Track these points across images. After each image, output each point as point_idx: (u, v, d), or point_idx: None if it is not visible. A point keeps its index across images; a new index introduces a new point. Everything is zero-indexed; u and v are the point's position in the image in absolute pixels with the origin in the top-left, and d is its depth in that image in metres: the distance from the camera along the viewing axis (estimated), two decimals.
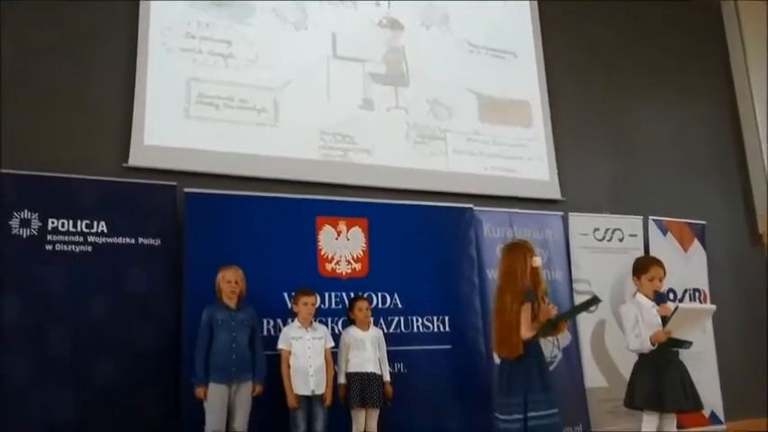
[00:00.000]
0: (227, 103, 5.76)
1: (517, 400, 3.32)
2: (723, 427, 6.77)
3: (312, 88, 6.14)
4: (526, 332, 3.41)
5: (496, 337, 3.49)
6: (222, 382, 4.42)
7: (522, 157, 6.95)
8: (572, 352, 6.27)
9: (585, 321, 6.39)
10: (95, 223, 4.86)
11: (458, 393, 5.64)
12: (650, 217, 6.97)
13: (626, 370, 4.34)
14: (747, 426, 6.87)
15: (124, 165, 5.26)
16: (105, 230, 4.88)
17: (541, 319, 3.41)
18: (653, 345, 3.67)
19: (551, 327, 3.48)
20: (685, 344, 3.69)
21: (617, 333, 6.24)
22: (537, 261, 3.53)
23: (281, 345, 4.78)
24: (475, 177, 6.63)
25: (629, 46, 7.92)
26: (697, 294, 6.89)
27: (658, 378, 3.68)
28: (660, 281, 3.94)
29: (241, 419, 4.47)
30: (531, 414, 3.28)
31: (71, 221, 4.80)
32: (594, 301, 3.77)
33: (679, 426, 3.91)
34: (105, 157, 5.25)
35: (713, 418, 6.76)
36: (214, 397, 4.39)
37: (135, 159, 5.30)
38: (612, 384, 6.18)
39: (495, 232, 6.28)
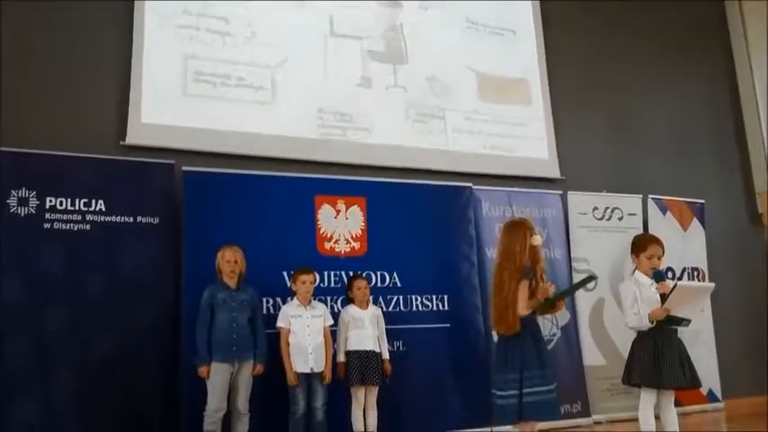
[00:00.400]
0: (225, 81, 5.72)
1: (513, 376, 3.34)
2: (720, 405, 6.81)
3: (310, 66, 6.09)
4: (523, 309, 3.42)
5: (494, 314, 3.50)
6: (224, 362, 4.44)
7: (522, 135, 6.93)
8: (570, 330, 6.30)
9: (584, 300, 6.41)
10: (93, 202, 4.85)
11: (456, 371, 5.67)
12: (650, 196, 6.97)
13: (624, 348, 4.35)
14: (745, 405, 6.90)
15: (122, 143, 5.24)
16: (103, 209, 4.87)
17: (539, 297, 3.42)
18: (651, 322, 3.68)
19: (549, 305, 3.49)
20: (684, 321, 3.69)
21: (615, 311, 6.26)
22: (536, 240, 3.53)
23: (280, 323, 4.80)
24: (474, 156, 6.61)
25: (629, 24, 7.85)
26: (696, 273, 6.91)
27: (656, 355, 3.68)
28: (659, 259, 3.92)
29: (243, 398, 4.51)
30: (526, 390, 3.30)
31: (69, 200, 4.78)
32: (591, 279, 3.76)
33: (676, 404, 3.91)
34: (103, 136, 5.23)
35: (711, 397, 6.81)
36: (216, 376, 4.41)
37: (132, 137, 5.28)
38: (610, 362, 6.22)
39: (494, 211, 6.27)
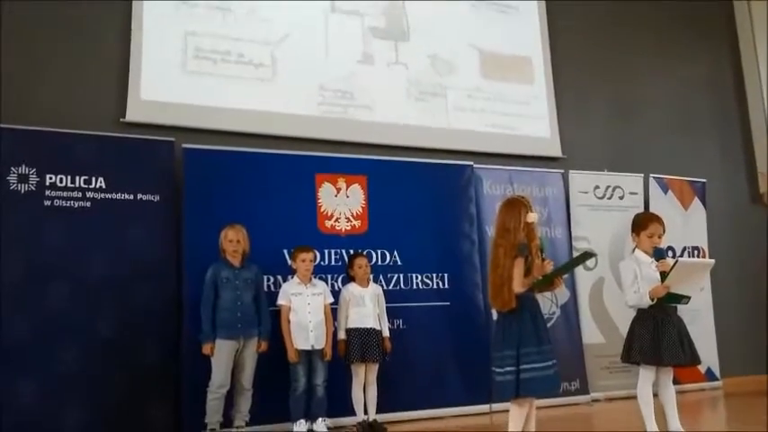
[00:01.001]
0: (225, 57, 5.69)
1: (510, 353, 3.35)
2: (719, 383, 6.86)
3: (311, 43, 6.05)
4: (517, 286, 3.43)
5: (490, 291, 3.51)
6: (229, 339, 4.48)
7: (524, 114, 6.89)
8: (570, 309, 6.31)
9: (584, 279, 6.42)
10: (93, 179, 4.84)
11: (456, 349, 5.70)
12: (651, 175, 6.95)
13: (623, 326, 4.36)
14: (743, 383, 6.95)
15: (122, 120, 5.22)
16: (104, 186, 4.86)
17: (536, 274, 3.40)
18: (651, 300, 3.68)
19: (547, 282, 3.47)
20: (683, 299, 3.70)
21: (615, 290, 6.28)
22: (531, 217, 3.51)
23: (280, 301, 4.81)
24: (475, 134, 6.58)
25: (633, 4, 7.77)
26: (696, 252, 6.91)
27: (656, 333, 3.69)
28: (659, 238, 3.92)
29: (248, 375, 4.56)
30: (523, 366, 3.31)
31: (69, 177, 4.78)
32: (589, 255, 3.72)
33: (675, 382, 3.93)
34: (102, 113, 5.21)
35: (709, 375, 6.85)
36: (221, 353, 4.45)
37: (132, 115, 5.25)
38: (609, 341, 6.25)
39: (495, 189, 6.26)
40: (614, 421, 5.14)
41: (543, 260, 3.43)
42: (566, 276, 5.41)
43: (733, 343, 7.14)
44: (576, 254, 6.29)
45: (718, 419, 5.12)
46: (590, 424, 5.13)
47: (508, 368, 3.38)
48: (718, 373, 6.90)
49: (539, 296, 3.61)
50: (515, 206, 3.57)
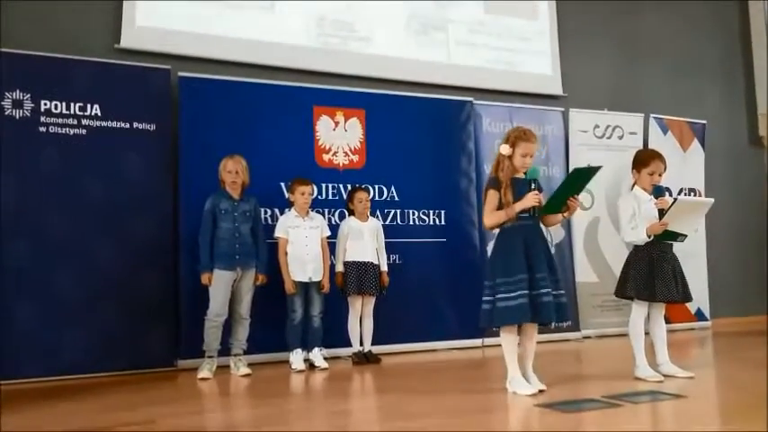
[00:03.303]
0: None
1: (488, 283, 3.40)
2: (708, 323, 6.98)
3: None
4: (486, 220, 3.45)
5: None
6: (226, 269, 4.50)
7: (526, 50, 6.78)
8: (565, 247, 6.36)
9: (579, 218, 6.44)
10: (89, 106, 4.77)
11: (451, 284, 5.76)
12: (651, 115, 6.90)
13: (617, 266, 4.39)
14: (731, 324, 7.08)
15: (116, 46, 5.10)
16: (99, 113, 4.79)
17: (528, 204, 3.36)
18: (649, 236, 3.70)
19: (551, 211, 3.43)
20: (680, 237, 3.71)
21: (610, 230, 6.33)
22: (502, 148, 3.48)
23: (278, 233, 4.83)
24: (476, 70, 6.49)
25: None
26: (692, 194, 6.92)
27: (651, 269, 3.72)
28: (660, 176, 3.90)
29: (245, 305, 4.61)
30: (497, 296, 3.34)
31: (64, 103, 4.70)
32: (593, 170, 3.45)
33: (666, 321, 3.98)
34: (96, 38, 5.09)
35: (699, 315, 6.96)
36: (219, 283, 4.48)
37: (127, 41, 5.14)
38: (602, 280, 6.32)
39: (494, 127, 6.21)
40: (604, 356, 5.25)
41: (531, 190, 3.40)
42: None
43: (724, 284, 7.24)
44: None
45: (706, 355, 5.23)
46: (580, 359, 5.24)
47: (485, 298, 3.43)
48: (707, 314, 7.02)
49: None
50: (505, 137, 3.56)
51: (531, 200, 3.36)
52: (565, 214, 3.51)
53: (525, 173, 3.51)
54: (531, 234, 3.46)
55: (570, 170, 3.43)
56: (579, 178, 3.47)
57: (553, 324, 3.65)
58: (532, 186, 3.42)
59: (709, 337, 6.26)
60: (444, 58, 6.37)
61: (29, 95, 4.60)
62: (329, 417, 3.21)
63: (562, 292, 3.47)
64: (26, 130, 4.57)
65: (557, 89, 6.87)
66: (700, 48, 7.84)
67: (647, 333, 3.89)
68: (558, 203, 3.45)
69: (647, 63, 7.44)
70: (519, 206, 3.37)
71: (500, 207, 3.44)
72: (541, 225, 3.56)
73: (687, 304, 6.41)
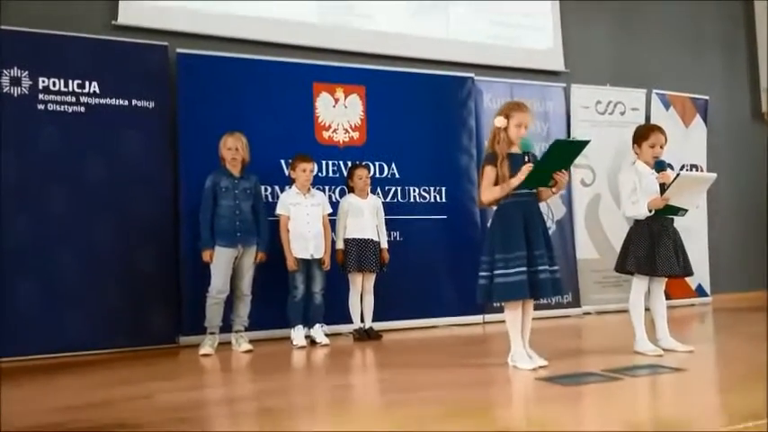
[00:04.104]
0: None
1: (485, 259, 3.40)
2: (708, 299, 6.99)
3: None
4: (483, 196, 3.44)
5: None
6: (228, 246, 4.50)
7: (527, 26, 6.71)
8: (565, 224, 6.36)
9: (580, 195, 6.44)
10: (87, 83, 4.75)
11: (452, 261, 5.76)
12: (654, 90, 6.85)
13: (617, 242, 4.38)
14: (731, 299, 7.09)
15: (114, 23, 5.06)
16: (98, 91, 4.77)
17: (523, 177, 3.33)
18: (650, 211, 3.69)
19: (535, 184, 3.37)
20: (681, 211, 3.70)
21: (611, 207, 6.31)
22: (497, 121, 3.45)
23: (279, 210, 4.82)
24: (477, 46, 6.43)
25: None
26: (694, 170, 6.90)
27: (652, 243, 3.71)
28: (661, 148, 3.87)
29: (247, 282, 4.62)
30: (495, 272, 3.33)
31: (62, 81, 4.67)
32: (582, 143, 3.36)
33: (666, 297, 3.98)
34: (94, 15, 5.03)
35: (699, 291, 6.97)
36: (220, 259, 4.49)
37: (124, 18, 5.09)
38: (603, 256, 6.33)
39: (495, 103, 6.16)
40: (604, 332, 5.26)
41: (526, 163, 3.37)
42: (563, 192, 5.36)
43: (724, 260, 7.25)
44: (573, 170, 6.20)
45: (706, 330, 5.25)
46: (580, 334, 5.26)
47: (482, 273, 3.43)
48: (708, 290, 7.03)
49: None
50: (498, 110, 3.53)
51: (524, 171, 3.35)
52: (553, 189, 3.45)
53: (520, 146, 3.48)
54: (530, 210, 3.45)
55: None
56: (564, 151, 3.37)
57: (552, 300, 3.66)
58: (526, 159, 3.39)
59: (710, 313, 6.28)
60: (445, 34, 6.31)
61: (27, 73, 4.57)
62: (330, 390, 3.23)
63: (557, 267, 3.48)
64: (25, 107, 4.55)
65: (558, 65, 6.82)
66: (702, 21, 7.76)
67: (647, 309, 3.89)
68: (544, 177, 3.37)
69: (650, 38, 7.37)
70: (515, 181, 3.36)
71: (497, 183, 3.43)
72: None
73: (688, 280, 6.47)
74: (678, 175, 3.67)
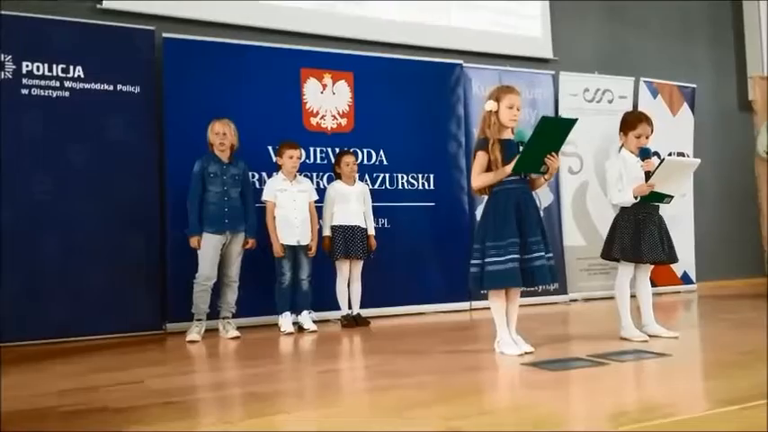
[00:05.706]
0: None
1: (477, 246, 3.38)
2: (694, 287, 7.05)
3: None
4: (474, 182, 3.42)
5: None
6: (215, 233, 4.48)
7: (516, 13, 6.71)
8: (553, 211, 6.38)
9: (568, 182, 6.46)
10: (71, 68, 4.70)
11: (439, 248, 5.78)
12: (641, 78, 6.87)
13: (604, 230, 4.38)
14: (716, 287, 7.16)
15: (99, 6, 5.00)
16: (82, 76, 4.72)
17: (496, 168, 3.33)
18: (635, 198, 3.70)
19: (526, 169, 3.36)
20: (666, 198, 3.72)
21: (598, 195, 6.34)
22: (488, 105, 3.43)
23: (266, 197, 4.81)
24: (466, 33, 6.41)
25: None
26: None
27: (637, 231, 3.72)
28: (647, 138, 3.88)
29: (234, 269, 4.61)
30: (486, 260, 3.32)
31: (46, 65, 4.62)
32: (570, 122, 3.31)
33: (651, 284, 4.00)
34: None
35: (685, 279, 7.03)
36: (207, 246, 4.47)
37: (111, 2, 5.03)
38: (590, 244, 6.36)
39: (484, 90, 6.14)
40: (590, 318, 5.30)
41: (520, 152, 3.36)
42: (552, 180, 5.35)
43: (710, 248, 7.31)
44: (562, 158, 6.19)
45: (691, 317, 5.29)
46: (566, 321, 5.29)
47: (474, 261, 3.42)
48: (693, 277, 7.08)
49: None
50: (488, 95, 3.51)
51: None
52: (545, 176, 3.41)
53: (514, 134, 3.46)
54: (523, 197, 3.43)
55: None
56: (551, 130, 3.31)
57: (539, 287, 3.65)
58: (521, 149, 3.37)
59: (695, 300, 6.33)
60: (434, 21, 6.30)
61: (10, 57, 4.52)
62: (317, 376, 3.23)
63: (551, 254, 3.48)
64: (8, 92, 4.50)
65: (547, 52, 6.82)
66: (691, 12, 7.79)
67: (633, 296, 3.91)
68: (534, 162, 3.34)
69: (638, 27, 7.39)
70: (509, 168, 3.34)
71: (489, 169, 3.42)
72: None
73: (673, 267, 6.52)
74: (662, 160, 3.69)
